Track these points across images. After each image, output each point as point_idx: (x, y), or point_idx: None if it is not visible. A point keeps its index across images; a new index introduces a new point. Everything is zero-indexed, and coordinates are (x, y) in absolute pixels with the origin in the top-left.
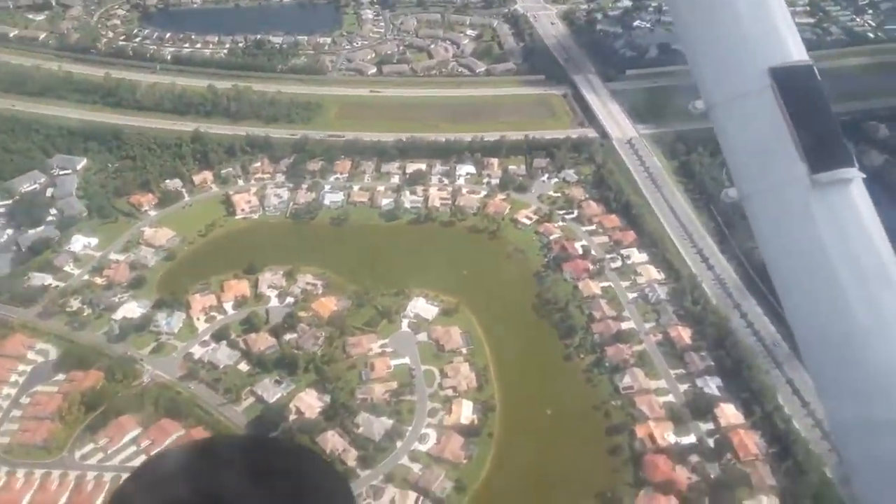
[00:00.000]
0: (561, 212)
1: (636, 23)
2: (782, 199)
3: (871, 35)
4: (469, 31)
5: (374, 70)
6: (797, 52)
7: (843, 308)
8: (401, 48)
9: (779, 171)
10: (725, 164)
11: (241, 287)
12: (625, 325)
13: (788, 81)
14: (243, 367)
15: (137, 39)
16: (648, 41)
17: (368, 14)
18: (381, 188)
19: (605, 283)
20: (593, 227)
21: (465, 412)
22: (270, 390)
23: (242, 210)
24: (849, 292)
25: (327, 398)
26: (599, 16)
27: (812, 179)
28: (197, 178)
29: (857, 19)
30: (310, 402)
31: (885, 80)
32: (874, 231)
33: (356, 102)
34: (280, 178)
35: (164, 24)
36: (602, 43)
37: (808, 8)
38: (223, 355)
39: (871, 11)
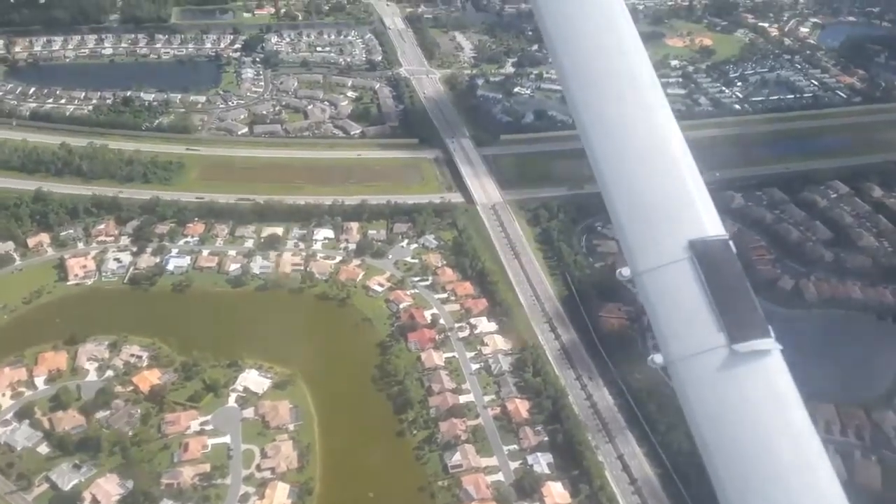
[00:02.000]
0: (416, 278)
1: (516, 89)
2: (704, 367)
3: (738, 106)
4: (350, 93)
5: (244, 130)
6: (713, 227)
7: (763, 472)
8: (277, 108)
9: (700, 340)
10: (651, 330)
11: (58, 360)
12: (463, 399)
13: (706, 254)
14: (43, 449)
15: None
16: (526, 107)
17: (249, 73)
18: (231, 252)
19: (450, 354)
20: (446, 294)
21: (280, 497)
22: (66, 476)
23: (76, 275)
24: (767, 456)
25: (130, 484)
26: (481, 81)
27: (731, 349)
28: (32, 241)
29: (726, 91)
30: (108, 489)
31: (743, 149)
32: (791, 399)
33: (220, 163)
34: (125, 241)
35: (31, 79)
36: (480, 108)
37: (680, 80)
38: (22, 436)
39: (739, 84)
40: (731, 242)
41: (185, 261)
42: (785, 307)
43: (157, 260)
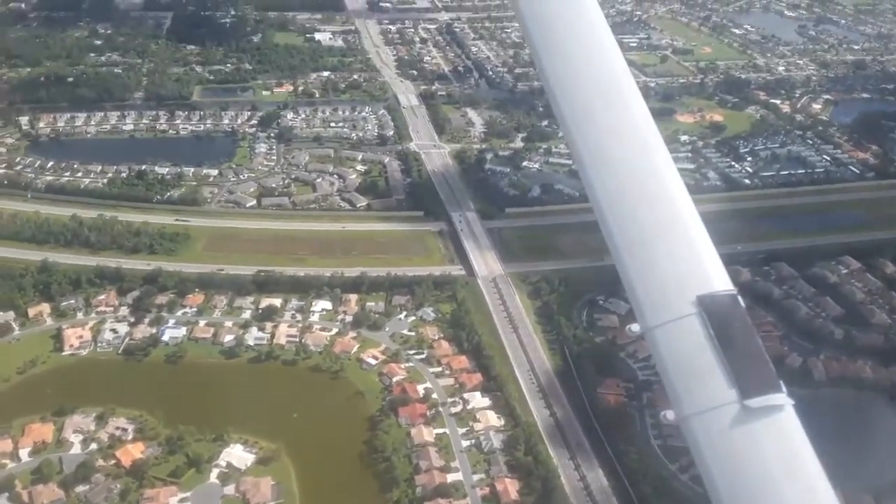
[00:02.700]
0: (411, 351)
1: (524, 163)
2: (717, 423)
3: (747, 181)
4: (359, 167)
5: (253, 202)
6: (721, 282)
7: None
8: (286, 181)
9: (712, 396)
10: (664, 386)
11: (44, 431)
12: (451, 477)
13: (715, 309)
14: None
15: (18, 167)
16: (533, 181)
17: (262, 147)
18: (228, 324)
19: (441, 430)
20: (440, 368)
21: None
22: None
23: (71, 346)
24: None
25: None
26: (490, 155)
27: (743, 405)
28: (32, 311)
29: (736, 165)
30: None
31: (751, 224)
32: (805, 454)
33: (226, 235)
34: (124, 311)
35: (51, 153)
36: (487, 181)
37: (689, 154)
38: None
39: (749, 159)
40: (739, 297)
41: (181, 331)
42: (792, 386)
43: (153, 331)
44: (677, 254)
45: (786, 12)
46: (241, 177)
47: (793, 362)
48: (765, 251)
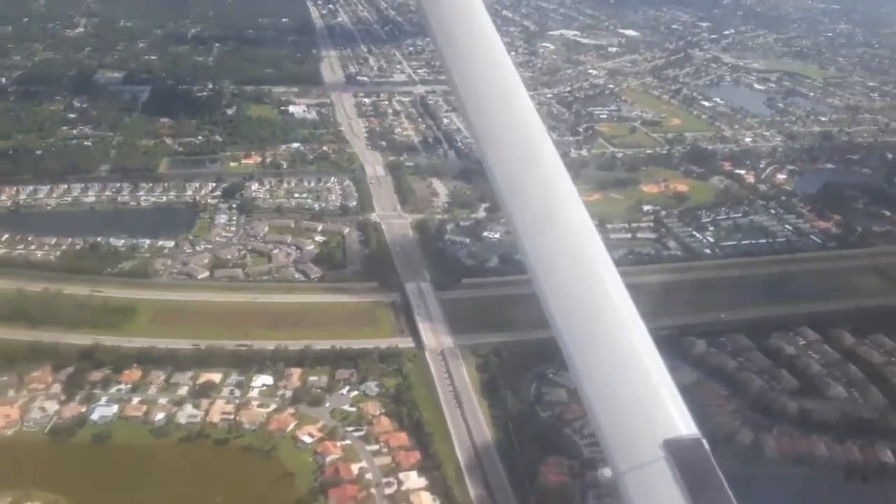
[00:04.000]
0: (350, 428)
1: (485, 233)
2: None
3: (708, 251)
4: (318, 237)
5: (205, 274)
6: (686, 426)
7: None
8: (242, 252)
9: None
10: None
11: None
12: None
13: (682, 455)
14: None
15: None
16: (492, 251)
17: (222, 219)
18: (162, 401)
19: None
20: (378, 446)
21: None
22: None
23: None
24: None
25: None
26: (451, 226)
27: None
28: None
29: (697, 235)
30: None
31: (709, 294)
32: None
33: (174, 308)
34: (56, 388)
35: (7, 226)
36: (446, 252)
37: (651, 224)
38: None
39: (711, 229)
40: (704, 441)
41: (112, 409)
42: (742, 464)
43: (83, 409)
44: (642, 396)
45: (755, 85)
46: (198, 248)
47: (744, 438)
48: (722, 322)
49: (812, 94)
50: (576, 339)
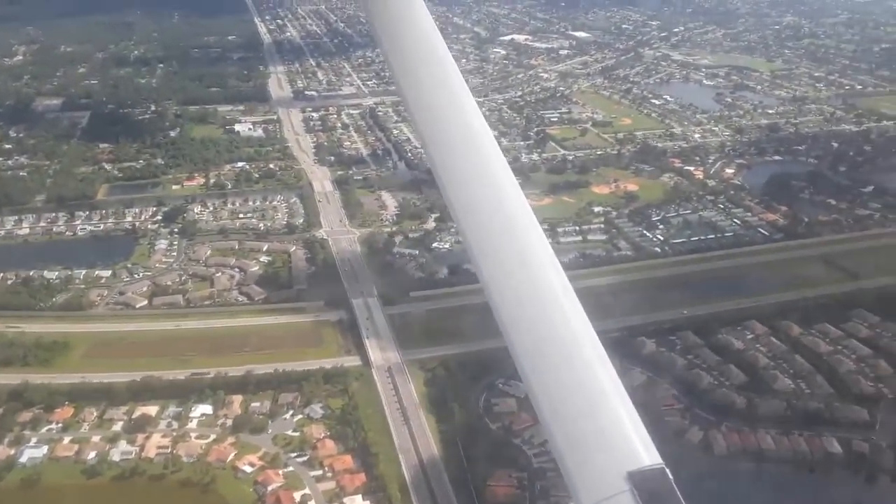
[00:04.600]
0: (293, 454)
1: (435, 244)
2: None
3: (658, 249)
4: (263, 258)
5: (144, 302)
6: (649, 456)
7: None
8: (183, 278)
9: None
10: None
11: None
12: None
13: (646, 486)
14: None
15: None
16: (442, 262)
17: (163, 244)
18: (95, 438)
19: None
20: (322, 471)
21: None
22: None
23: None
24: None
25: None
26: (400, 238)
27: None
28: None
29: (647, 234)
30: None
31: (659, 293)
32: None
33: (110, 340)
34: None
35: None
36: (394, 265)
37: (602, 226)
38: None
39: (661, 227)
40: (667, 471)
41: (42, 451)
42: (692, 462)
43: (12, 451)
44: (605, 428)
45: (704, 81)
46: (136, 276)
47: (693, 436)
48: (672, 320)
49: (760, 87)
50: (532, 361)
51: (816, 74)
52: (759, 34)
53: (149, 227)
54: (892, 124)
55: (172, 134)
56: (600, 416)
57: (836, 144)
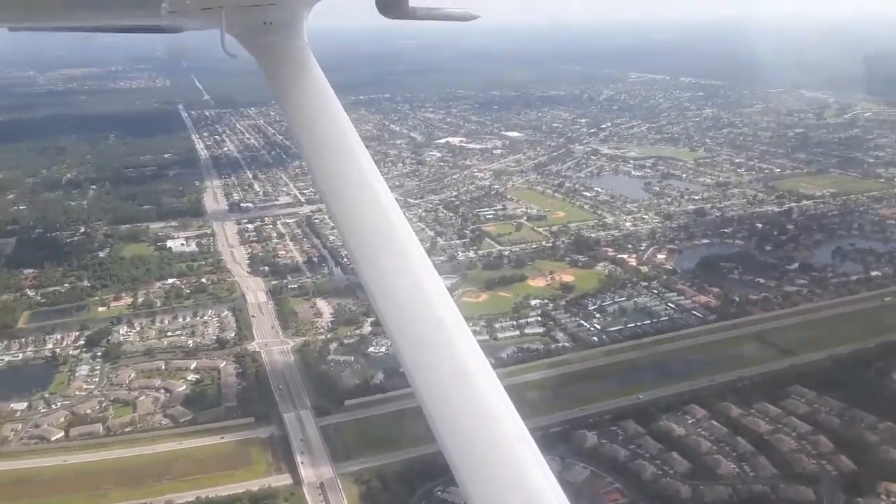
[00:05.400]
0: None
1: (370, 349)
2: None
3: (595, 338)
4: (190, 376)
5: (60, 434)
6: None
7: None
8: (104, 404)
9: None
10: None
11: None
12: None
13: None
14: None
15: None
16: (378, 367)
17: (84, 370)
18: None
19: None
20: None
21: None
22: None
23: None
24: None
25: None
26: (335, 345)
27: None
28: None
29: (584, 324)
30: None
31: (598, 383)
32: None
33: (20, 478)
34: None
35: None
36: (329, 374)
37: (539, 318)
38: None
39: (598, 315)
40: None
41: None
42: None
43: None
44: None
45: (633, 172)
46: (54, 406)
47: None
48: (613, 410)
49: (685, 175)
50: (467, 466)
51: (737, 160)
52: (682, 126)
53: (70, 352)
54: (812, 203)
55: (101, 255)
56: (511, 475)
57: (759, 225)
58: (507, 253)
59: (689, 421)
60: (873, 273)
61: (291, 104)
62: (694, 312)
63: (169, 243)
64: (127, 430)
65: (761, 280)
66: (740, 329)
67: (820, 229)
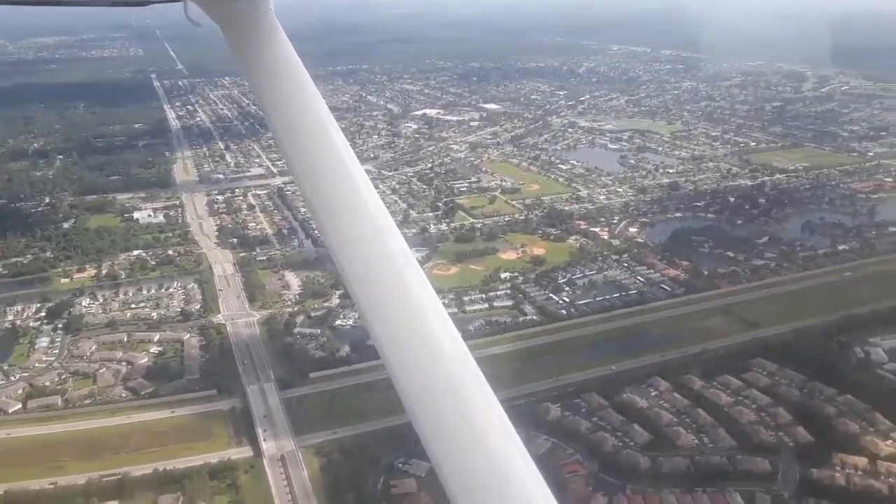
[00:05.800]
0: None
1: (338, 321)
2: None
3: (564, 312)
4: (153, 349)
5: (17, 406)
6: None
7: None
8: (63, 376)
9: None
10: None
11: None
12: None
13: None
14: None
15: None
16: (344, 340)
17: (44, 342)
18: None
19: None
20: None
21: None
22: None
23: None
24: None
25: None
26: (302, 318)
27: None
28: None
29: (554, 297)
30: None
31: (564, 356)
32: None
33: None
34: None
35: None
36: (293, 347)
37: (508, 291)
38: None
39: (567, 289)
40: None
41: None
42: None
43: None
44: (501, 480)
45: (609, 145)
46: (12, 378)
47: (597, 503)
48: (577, 382)
49: (661, 148)
50: (439, 442)
51: (713, 134)
52: (660, 99)
53: (30, 324)
54: (784, 177)
55: (66, 225)
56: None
57: (732, 199)
58: (479, 226)
59: (653, 393)
60: (840, 247)
61: (257, 72)
62: (663, 286)
63: (136, 214)
64: (86, 402)
65: (731, 254)
66: (708, 302)
67: (791, 203)
